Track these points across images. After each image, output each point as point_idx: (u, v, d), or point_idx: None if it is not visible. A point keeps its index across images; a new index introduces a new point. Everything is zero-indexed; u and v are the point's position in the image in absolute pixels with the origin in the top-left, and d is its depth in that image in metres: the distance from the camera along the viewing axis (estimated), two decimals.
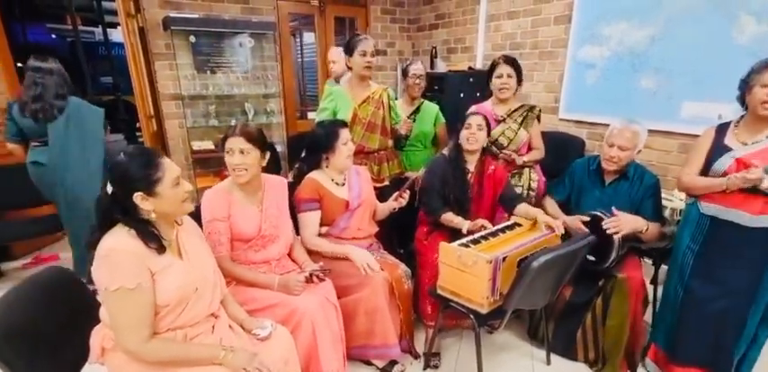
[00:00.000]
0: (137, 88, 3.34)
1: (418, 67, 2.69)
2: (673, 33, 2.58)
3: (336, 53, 3.14)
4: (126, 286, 1.10)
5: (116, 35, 7.74)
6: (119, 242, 1.14)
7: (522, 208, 2.05)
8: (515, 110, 2.36)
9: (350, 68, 2.42)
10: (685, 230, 1.76)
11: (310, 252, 1.90)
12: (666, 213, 2.24)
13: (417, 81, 2.68)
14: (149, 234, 1.17)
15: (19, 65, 3.30)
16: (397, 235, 2.42)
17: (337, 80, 3.10)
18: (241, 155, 1.58)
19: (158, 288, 1.17)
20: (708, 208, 1.65)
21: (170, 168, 1.19)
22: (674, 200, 2.35)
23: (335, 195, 1.94)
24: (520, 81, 2.34)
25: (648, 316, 2.09)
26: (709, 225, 1.66)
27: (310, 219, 1.91)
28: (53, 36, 9.14)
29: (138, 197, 1.15)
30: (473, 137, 2.03)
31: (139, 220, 1.18)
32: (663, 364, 1.88)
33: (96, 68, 7.57)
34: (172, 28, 3.47)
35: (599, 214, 1.88)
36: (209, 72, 3.85)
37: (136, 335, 1.14)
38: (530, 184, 2.35)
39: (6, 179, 2.73)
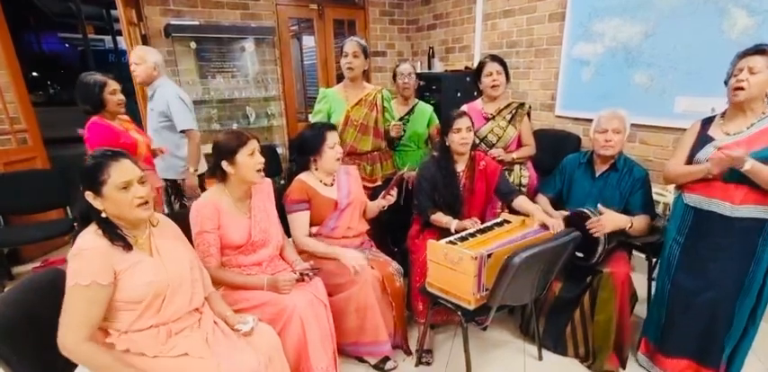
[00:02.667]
0: (140, 94, 3.43)
1: (405, 67, 2.72)
2: (664, 28, 2.56)
3: (138, 55, 2.59)
4: (80, 282, 1.14)
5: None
6: (86, 240, 1.20)
7: (521, 201, 2.05)
8: (505, 108, 2.39)
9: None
10: (672, 223, 1.77)
11: (301, 251, 1.94)
12: (659, 208, 2.24)
13: (406, 80, 2.70)
14: (113, 233, 1.21)
15: (34, 74, 3.51)
16: (391, 234, 2.45)
17: (144, 85, 2.69)
18: (260, 155, 1.66)
19: (127, 284, 1.21)
20: (691, 198, 1.66)
21: (120, 171, 1.19)
22: (667, 195, 2.34)
23: (324, 195, 1.97)
24: (507, 78, 2.37)
25: (643, 311, 2.09)
26: (693, 217, 1.67)
27: (300, 220, 1.95)
28: (66, 45, 9.37)
29: (89, 195, 1.19)
30: (464, 140, 2.03)
31: (103, 219, 1.22)
32: (653, 356, 1.88)
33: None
34: (173, 35, 3.57)
35: (586, 211, 1.89)
36: (210, 77, 3.94)
37: (74, 333, 1.15)
38: (520, 180, 2.36)
39: (16, 184, 2.83)
